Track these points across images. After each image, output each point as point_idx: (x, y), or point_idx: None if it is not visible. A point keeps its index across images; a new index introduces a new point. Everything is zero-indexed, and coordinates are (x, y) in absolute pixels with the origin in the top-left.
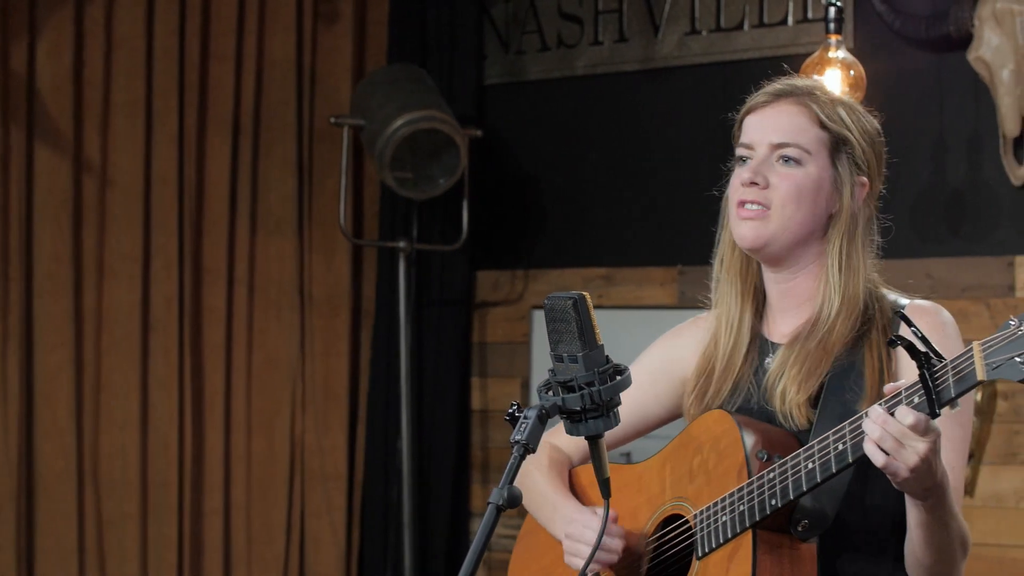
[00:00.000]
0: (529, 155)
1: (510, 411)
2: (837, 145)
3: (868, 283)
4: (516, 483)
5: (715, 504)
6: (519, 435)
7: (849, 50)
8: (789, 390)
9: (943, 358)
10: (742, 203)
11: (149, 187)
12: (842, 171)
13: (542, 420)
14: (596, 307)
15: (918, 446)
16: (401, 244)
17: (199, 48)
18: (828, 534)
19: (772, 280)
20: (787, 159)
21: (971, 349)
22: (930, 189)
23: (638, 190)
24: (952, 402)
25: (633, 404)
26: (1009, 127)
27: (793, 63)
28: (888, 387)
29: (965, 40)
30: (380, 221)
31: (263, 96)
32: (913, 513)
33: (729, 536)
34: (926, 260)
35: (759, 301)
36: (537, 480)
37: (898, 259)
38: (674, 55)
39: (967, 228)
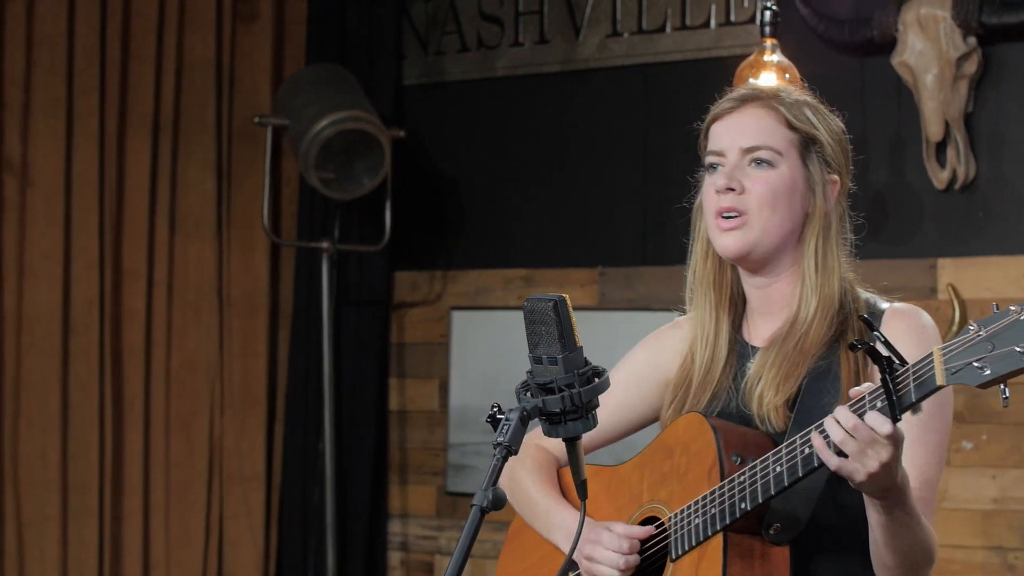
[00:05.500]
0: (448, 156)
1: (491, 412)
2: (806, 144)
3: (843, 282)
4: (502, 484)
5: (689, 507)
6: (501, 437)
7: None
8: (766, 393)
9: (905, 362)
10: (719, 213)
11: (70, 187)
12: (813, 170)
13: (524, 422)
14: (515, 309)
15: (882, 452)
16: (324, 245)
17: (120, 47)
18: (802, 536)
19: (751, 285)
20: (759, 162)
21: (931, 354)
22: (853, 192)
23: (559, 191)
24: (914, 407)
25: (620, 405)
26: (933, 131)
27: (715, 66)
28: (853, 391)
29: (888, 44)
30: (299, 221)
31: (182, 96)
32: (872, 514)
33: (701, 539)
34: (851, 264)
35: (737, 308)
36: (525, 483)
37: None
38: (595, 57)
39: (889, 231)
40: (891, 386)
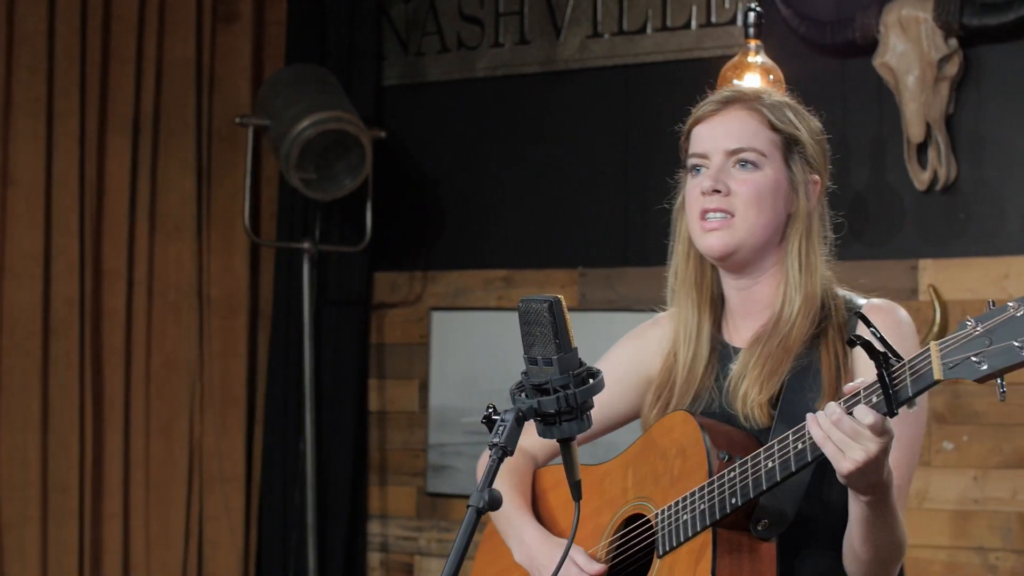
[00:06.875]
0: (428, 157)
1: (486, 413)
2: (789, 146)
3: (824, 280)
4: (477, 478)
5: (676, 503)
6: (497, 438)
7: None
8: (751, 392)
9: (901, 358)
10: (704, 214)
11: (50, 187)
12: (796, 171)
13: (519, 423)
14: (495, 309)
15: (869, 446)
16: (305, 245)
17: (100, 48)
18: (789, 532)
19: (733, 287)
20: (744, 163)
21: (928, 349)
22: (834, 193)
23: (539, 192)
24: (909, 401)
25: (602, 403)
26: (914, 132)
27: (696, 67)
28: (848, 386)
29: (870, 46)
30: (278, 222)
31: (163, 96)
32: (855, 508)
33: (689, 535)
34: (829, 263)
35: (717, 308)
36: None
37: None
38: (576, 58)
39: (870, 232)
40: (887, 381)
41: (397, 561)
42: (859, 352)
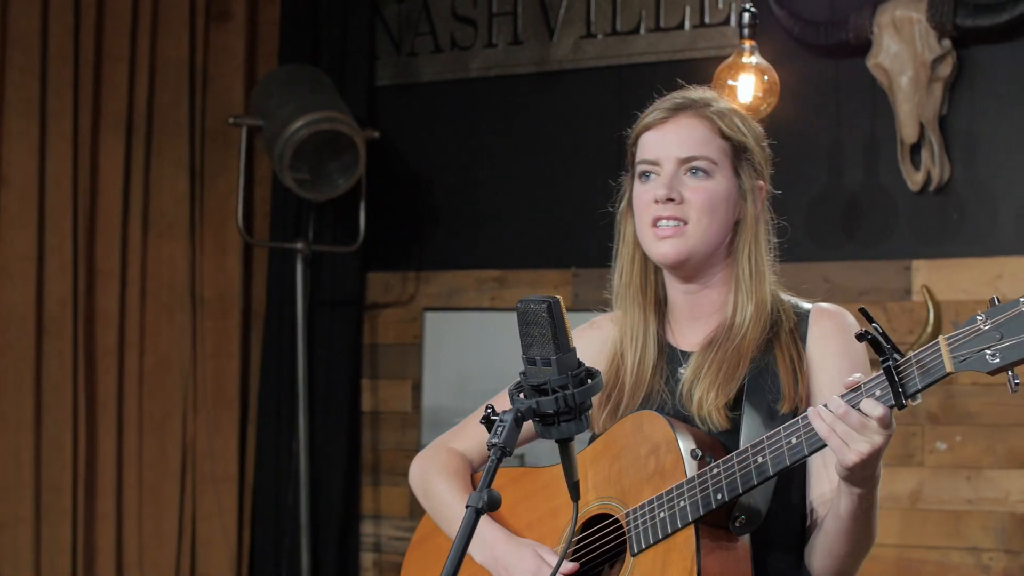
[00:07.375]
0: (421, 157)
1: (486, 413)
2: (738, 153)
3: (771, 285)
4: (413, 486)
5: (651, 502)
6: (496, 438)
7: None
8: (708, 395)
9: (901, 353)
10: (656, 221)
11: (43, 187)
12: (744, 177)
13: (518, 423)
14: (488, 310)
15: (875, 438)
16: (298, 245)
17: (93, 48)
18: (756, 531)
19: (680, 292)
20: (696, 171)
21: (937, 343)
22: (827, 193)
23: (532, 192)
24: (915, 395)
25: None
26: (908, 133)
27: (689, 67)
28: (848, 381)
29: (864, 46)
30: (271, 222)
31: (156, 96)
32: (844, 502)
33: (669, 531)
34: (823, 264)
35: (662, 311)
36: (439, 487)
37: (794, 263)
38: (569, 58)
39: (864, 232)
40: (895, 375)
41: (390, 561)
42: (813, 354)
